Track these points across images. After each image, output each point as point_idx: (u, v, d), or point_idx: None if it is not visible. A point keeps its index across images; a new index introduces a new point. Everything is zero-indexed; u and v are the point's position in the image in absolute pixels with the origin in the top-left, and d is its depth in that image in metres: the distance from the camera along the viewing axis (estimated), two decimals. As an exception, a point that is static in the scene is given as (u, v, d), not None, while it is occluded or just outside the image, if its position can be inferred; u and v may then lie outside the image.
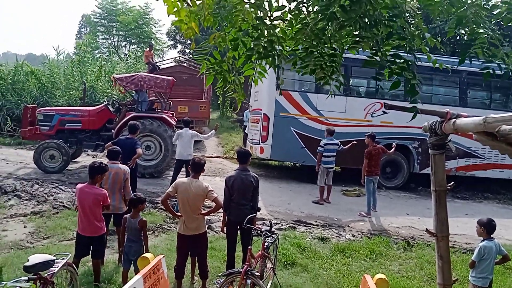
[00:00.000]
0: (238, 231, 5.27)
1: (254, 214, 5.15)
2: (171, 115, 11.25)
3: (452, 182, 2.91)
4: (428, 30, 2.81)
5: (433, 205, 2.86)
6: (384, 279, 3.99)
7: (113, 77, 11.28)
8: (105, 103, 11.64)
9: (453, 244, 7.18)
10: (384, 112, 10.99)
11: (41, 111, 11.05)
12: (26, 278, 3.64)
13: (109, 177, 5.57)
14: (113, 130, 10.52)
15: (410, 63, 2.51)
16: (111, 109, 11.20)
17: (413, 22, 2.75)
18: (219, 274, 5.09)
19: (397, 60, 2.45)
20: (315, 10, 2.51)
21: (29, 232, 6.65)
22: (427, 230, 2.93)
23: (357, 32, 2.42)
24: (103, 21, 32.64)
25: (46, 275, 3.82)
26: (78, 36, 37.71)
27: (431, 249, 6.82)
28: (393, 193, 11.06)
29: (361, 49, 2.60)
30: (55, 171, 10.12)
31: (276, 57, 2.58)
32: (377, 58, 2.46)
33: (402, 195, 10.99)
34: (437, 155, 2.72)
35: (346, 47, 2.64)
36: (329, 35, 2.47)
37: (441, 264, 2.84)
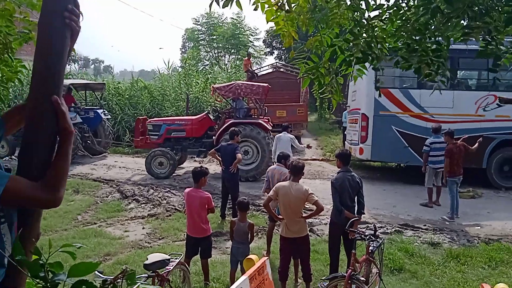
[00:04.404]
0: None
1: (357, 217, 5.04)
2: (267, 120, 11.51)
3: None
4: None
5: None
6: (507, 290, 3.59)
7: (212, 87, 11.95)
8: (206, 112, 12.38)
9: None
10: (499, 105, 9.92)
11: (151, 121, 12.14)
12: (146, 275, 4.01)
13: None
14: (213, 137, 11.12)
15: None
16: (212, 117, 11.87)
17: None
18: (323, 278, 5.05)
19: None
20: (416, 4, 2.38)
21: (146, 233, 7.31)
22: None
23: (465, 23, 2.23)
24: (202, 35, 34.78)
25: (163, 273, 4.14)
26: (183, 50, 40.43)
27: None
28: (514, 194, 9.90)
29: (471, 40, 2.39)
30: (165, 176, 11.00)
31: (376, 59, 2.49)
32: (492, 48, 2.22)
33: (526, 197, 9.78)
34: None
35: (452, 40, 2.44)
36: (433, 29, 2.32)
37: None
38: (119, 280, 1.12)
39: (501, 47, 2.31)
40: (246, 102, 12.82)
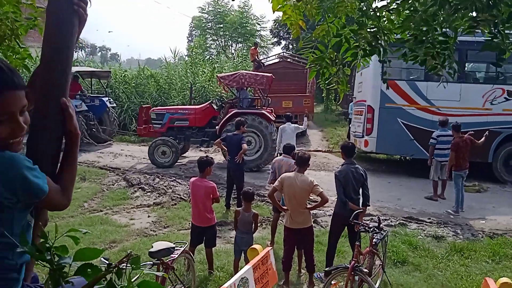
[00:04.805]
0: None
1: (361, 209, 5.05)
2: (270, 111, 11.49)
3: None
4: None
5: None
6: (509, 284, 3.60)
7: (217, 76, 11.94)
8: (210, 101, 12.38)
9: None
10: (507, 99, 9.83)
11: (154, 110, 12.14)
12: (151, 262, 4.04)
13: None
14: (217, 127, 11.11)
15: None
16: (215, 107, 11.86)
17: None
18: (326, 269, 5.08)
19: None
20: (424, -6, 2.35)
21: (152, 221, 7.36)
22: None
23: (473, 14, 2.20)
24: (209, 24, 34.57)
25: (167, 260, 4.17)
26: (190, 38, 40.19)
27: None
28: (521, 189, 9.84)
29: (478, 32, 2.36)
30: (169, 165, 11.03)
31: (381, 51, 2.47)
32: (497, 41, 2.20)
33: (533, 192, 9.72)
34: None
35: (460, 31, 2.41)
36: (441, 20, 2.29)
37: None
38: (123, 264, 1.14)
39: (507, 40, 2.29)
40: (252, 93, 12.78)
